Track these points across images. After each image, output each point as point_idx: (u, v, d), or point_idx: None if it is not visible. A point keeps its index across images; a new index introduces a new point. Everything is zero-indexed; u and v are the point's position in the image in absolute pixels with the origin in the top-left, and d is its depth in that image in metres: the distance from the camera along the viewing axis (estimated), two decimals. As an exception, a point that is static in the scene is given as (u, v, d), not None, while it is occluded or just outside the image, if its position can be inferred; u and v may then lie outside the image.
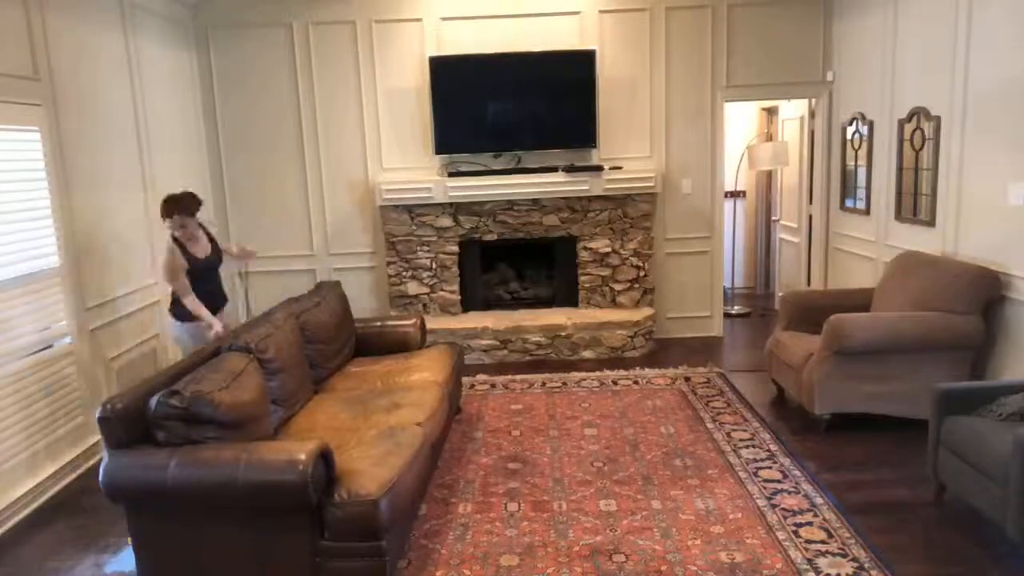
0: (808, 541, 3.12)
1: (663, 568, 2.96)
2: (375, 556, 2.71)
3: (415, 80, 5.99)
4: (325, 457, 2.71)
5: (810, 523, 3.27)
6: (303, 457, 2.62)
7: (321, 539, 2.72)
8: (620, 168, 5.99)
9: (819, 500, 3.46)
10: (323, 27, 5.97)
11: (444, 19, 5.93)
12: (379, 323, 4.85)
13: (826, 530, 3.20)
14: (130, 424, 2.77)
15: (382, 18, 5.95)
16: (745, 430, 4.33)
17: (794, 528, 3.22)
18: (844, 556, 3.00)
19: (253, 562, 2.77)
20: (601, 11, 5.97)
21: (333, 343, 4.26)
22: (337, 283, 4.76)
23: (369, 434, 3.25)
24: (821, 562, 2.96)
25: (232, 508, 2.74)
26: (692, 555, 3.04)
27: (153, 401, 2.77)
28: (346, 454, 2.98)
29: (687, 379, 5.28)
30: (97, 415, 2.74)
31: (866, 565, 2.92)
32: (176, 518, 2.79)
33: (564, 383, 5.29)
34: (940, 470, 3.30)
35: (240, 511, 2.74)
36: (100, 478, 2.73)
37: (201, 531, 2.78)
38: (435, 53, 5.89)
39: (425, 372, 4.14)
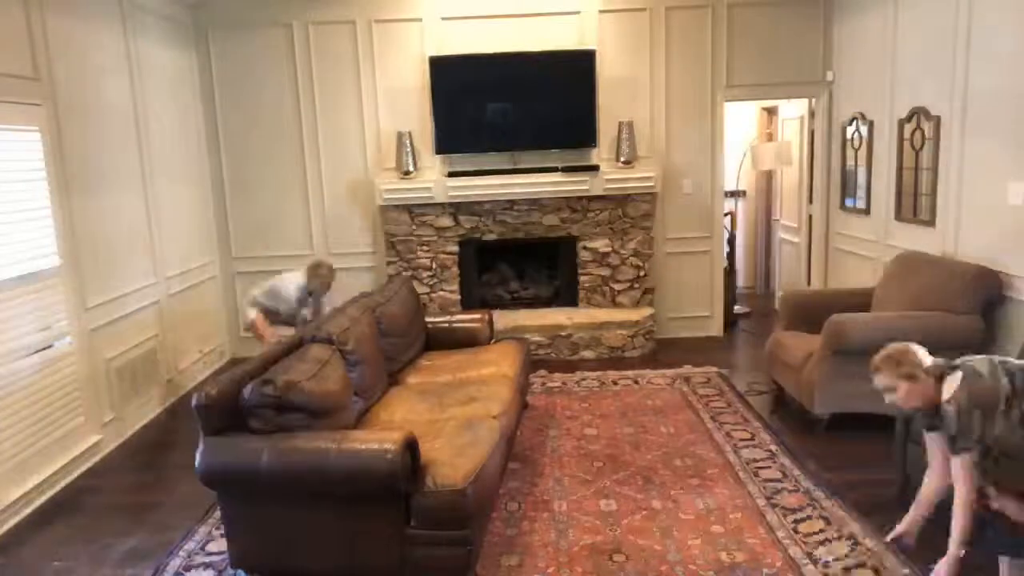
0: (807, 535, 3.13)
1: (663, 568, 2.96)
2: (460, 544, 2.75)
3: (415, 80, 5.98)
4: (411, 447, 2.73)
5: (809, 517, 3.28)
6: (392, 446, 2.67)
7: (408, 527, 2.75)
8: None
9: (819, 497, 3.46)
10: (323, 27, 5.96)
11: (444, 19, 5.92)
12: (447, 319, 4.96)
13: (824, 518, 3.23)
14: (224, 412, 2.82)
15: (382, 18, 5.94)
16: (745, 430, 4.33)
17: (793, 525, 3.23)
18: (840, 537, 3.06)
19: (342, 547, 2.81)
20: (601, 11, 5.96)
21: (406, 336, 4.33)
22: (408, 278, 4.79)
23: (449, 425, 3.28)
24: (820, 551, 3.00)
25: (323, 495, 2.78)
26: (692, 555, 3.04)
27: (247, 390, 2.80)
28: (428, 444, 2.99)
29: (687, 379, 5.27)
30: (193, 403, 2.78)
31: (859, 537, 3.00)
32: (268, 503, 2.83)
33: (564, 383, 5.29)
34: (908, 465, 3.32)
35: (331, 498, 2.78)
36: (196, 464, 2.77)
37: (292, 516, 2.82)
38: (435, 53, 5.88)
39: (495, 367, 4.19)
